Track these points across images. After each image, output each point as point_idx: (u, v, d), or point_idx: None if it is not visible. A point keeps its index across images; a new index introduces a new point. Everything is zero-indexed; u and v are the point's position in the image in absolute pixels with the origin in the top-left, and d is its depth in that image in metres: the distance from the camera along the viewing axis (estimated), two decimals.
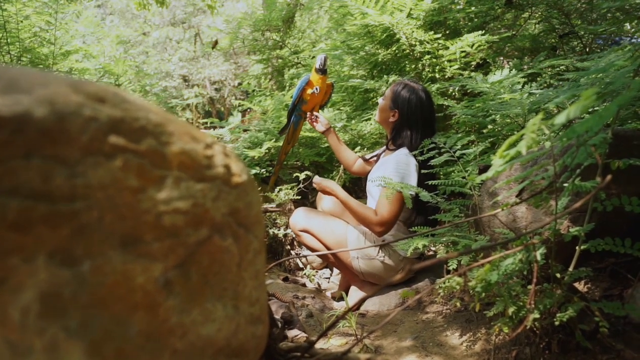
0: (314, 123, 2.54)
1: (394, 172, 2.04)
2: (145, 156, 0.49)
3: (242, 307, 0.59)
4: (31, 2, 3.98)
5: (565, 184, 1.29)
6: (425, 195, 1.73)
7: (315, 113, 2.54)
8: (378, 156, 2.37)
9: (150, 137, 0.50)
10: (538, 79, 3.29)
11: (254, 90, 5.06)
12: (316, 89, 2.47)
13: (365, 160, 2.46)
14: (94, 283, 0.43)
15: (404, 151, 2.11)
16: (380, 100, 2.28)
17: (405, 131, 2.15)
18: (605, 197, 1.38)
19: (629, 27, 3.73)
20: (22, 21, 3.88)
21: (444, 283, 1.31)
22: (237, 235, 0.58)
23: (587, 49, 3.31)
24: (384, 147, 2.33)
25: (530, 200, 1.24)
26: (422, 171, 2.02)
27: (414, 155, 2.08)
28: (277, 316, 1.82)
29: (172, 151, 0.52)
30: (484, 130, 2.73)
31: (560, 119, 0.86)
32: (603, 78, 1.62)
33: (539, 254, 1.10)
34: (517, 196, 1.62)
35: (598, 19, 3.32)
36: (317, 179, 2.24)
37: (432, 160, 1.90)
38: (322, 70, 2.49)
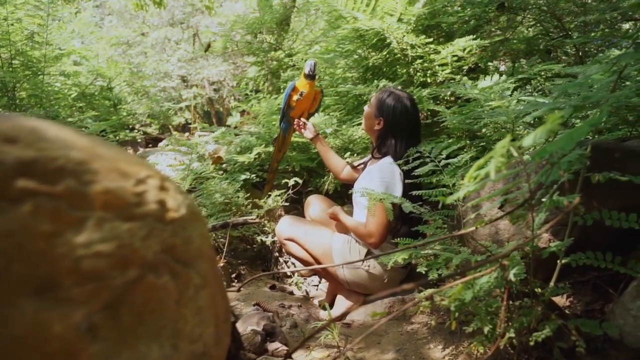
0: (302, 130, 2.52)
1: (378, 181, 2.02)
2: (62, 198, 0.47)
3: (181, 345, 0.57)
4: (23, 5, 3.96)
5: (544, 199, 1.27)
6: (407, 206, 1.71)
7: (302, 119, 2.52)
8: (365, 164, 2.35)
9: (69, 177, 0.48)
10: (533, 81, 3.27)
11: (246, 94, 5.04)
12: (301, 94, 2.46)
13: (353, 168, 2.44)
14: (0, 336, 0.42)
15: (388, 160, 2.09)
16: (365, 107, 2.26)
17: (389, 139, 2.13)
18: (586, 211, 1.36)
19: (627, 27, 3.70)
20: (12, 24, 3.85)
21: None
22: (175, 272, 0.56)
23: (580, 53, 3.28)
24: (369, 158, 2.31)
25: (506, 217, 1.22)
26: (407, 181, 2.00)
27: (399, 164, 2.05)
28: (259, 328, 1.80)
29: (95, 191, 0.50)
30: (479, 133, 2.71)
31: (528, 141, 0.84)
32: (591, 87, 1.60)
33: (512, 274, 1.08)
34: (499, 208, 1.60)
35: (592, 23, 3.28)
36: (328, 211, 2.25)
37: (417, 170, 1.88)
38: (311, 76, 2.47)
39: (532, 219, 1.20)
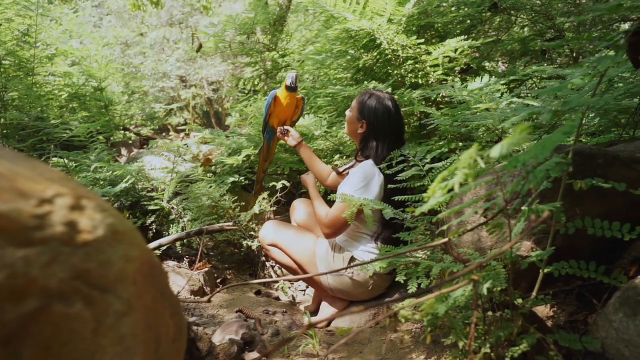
0: (285, 137, 2.48)
1: (356, 181, 1.98)
2: None
3: None
4: (12, 5, 3.92)
5: (524, 207, 1.22)
6: (388, 212, 1.66)
7: (286, 127, 2.47)
8: (349, 168, 2.30)
9: None
10: (528, 82, 3.22)
11: (236, 95, 5.01)
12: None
13: (339, 173, 2.39)
14: None
15: (369, 163, 2.04)
16: (347, 112, 2.21)
17: (371, 142, 2.08)
18: (568, 218, 1.31)
19: (626, 27, 3.63)
20: (1, 24, 3.81)
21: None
22: (90, 299, 0.51)
23: (574, 54, 3.23)
24: (353, 162, 2.26)
25: (482, 227, 1.17)
26: (390, 186, 1.95)
27: (380, 169, 2.01)
28: (237, 337, 1.76)
29: None
30: (472, 134, 2.65)
31: (495, 152, 0.80)
32: (579, 90, 1.55)
33: (484, 288, 1.04)
34: (482, 214, 1.56)
35: (587, 23, 3.23)
36: (304, 175, 2.27)
37: (400, 175, 1.83)
38: (292, 88, 2.42)
39: (509, 229, 1.15)
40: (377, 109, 2.06)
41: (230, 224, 2.26)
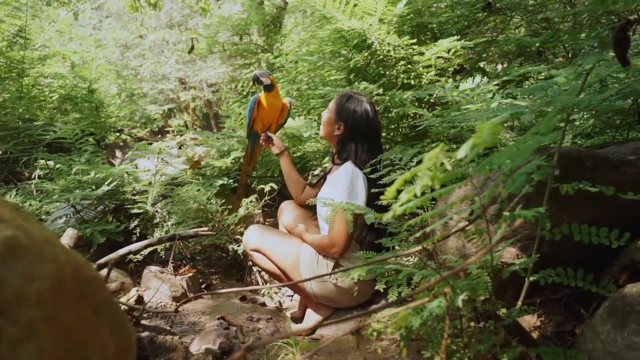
0: (269, 145, 2.42)
1: (344, 186, 1.91)
2: None
3: None
4: (3, 6, 3.87)
5: (505, 213, 1.15)
6: (370, 217, 1.59)
7: (269, 134, 2.41)
8: (325, 177, 2.24)
9: None
10: (525, 82, 3.15)
11: (229, 98, 4.96)
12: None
13: (312, 186, 2.34)
14: None
15: (350, 165, 1.98)
16: (324, 113, 2.16)
17: (350, 144, 2.03)
18: (555, 224, 1.25)
19: None
20: None
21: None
22: None
23: (570, 54, 3.17)
24: (330, 166, 2.20)
25: (461, 233, 1.11)
26: (373, 190, 1.88)
27: (361, 169, 1.95)
28: (215, 346, 1.69)
29: None
30: (466, 136, 2.59)
31: (460, 153, 0.74)
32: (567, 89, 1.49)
33: (460, 300, 0.97)
34: (464, 219, 1.49)
35: (584, 23, 3.16)
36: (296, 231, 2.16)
37: (384, 179, 1.77)
38: (269, 87, 2.36)
39: (488, 235, 1.09)
40: (355, 111, 2.02)
41: (205, 229, 2.19)
